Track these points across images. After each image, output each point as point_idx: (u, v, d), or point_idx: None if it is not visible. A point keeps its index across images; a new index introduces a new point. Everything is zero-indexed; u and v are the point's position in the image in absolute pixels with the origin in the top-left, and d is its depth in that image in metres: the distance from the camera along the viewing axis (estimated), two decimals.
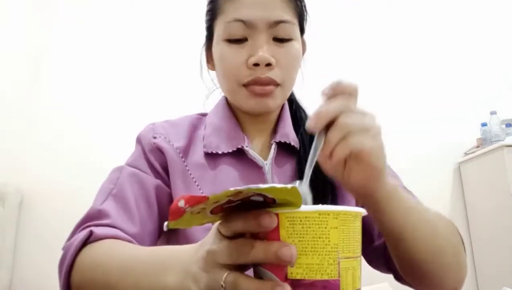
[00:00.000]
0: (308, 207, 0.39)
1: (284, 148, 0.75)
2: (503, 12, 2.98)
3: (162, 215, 0.71)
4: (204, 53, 0.82)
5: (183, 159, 0.72)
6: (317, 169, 0.48)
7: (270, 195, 0.37)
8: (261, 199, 0.38)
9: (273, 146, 0.74)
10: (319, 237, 0.38)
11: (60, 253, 0.62)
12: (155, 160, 0.73)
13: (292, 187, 0.34)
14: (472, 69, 2.87)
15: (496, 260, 2.39)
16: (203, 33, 0.80)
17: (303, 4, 0.76)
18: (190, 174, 0.71)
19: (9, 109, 2.38)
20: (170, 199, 0.71)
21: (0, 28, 2.44)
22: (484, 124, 2.57)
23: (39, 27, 2.72)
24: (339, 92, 0.48)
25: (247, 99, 0.71)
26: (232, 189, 0.34)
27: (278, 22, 0.69)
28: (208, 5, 0.76)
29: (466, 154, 2.70)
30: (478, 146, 2.62)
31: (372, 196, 0.52)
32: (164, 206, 0.71)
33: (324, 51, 2.54)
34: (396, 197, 0.54)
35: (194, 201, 0.34)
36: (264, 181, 0.71)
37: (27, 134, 2.44)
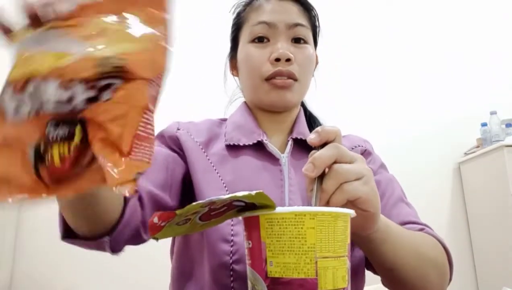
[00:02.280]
0: (285, 209, 0.40)
1: (300, 145, 0.81)
2: (503, 12, 2.98)
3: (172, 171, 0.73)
4: (228, 63, 0.91)
5: (203, 150, 0.78)
6: None
7: (247, 200, 0.39)
8: (242, 204, 0.41)
9: (290, 141, 0.80)
10: (296, 237, 0.39)
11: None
12: (172, 144, 0.79)
13: (257, 193, 0.36)
14: (472, 69, 2.87)
15: (496, 260, 2.39)
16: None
17: (316, 17, 0.86)
18: (211, 162, 0.76)
19: None
20: (185, 171, 0.75)
21: None
22: (484, 124, 2.56)
23: None
24: (325, 138, 0.52)
25: (269, 92, 0.78)
26: (194, 203, 0.38)
27: (296, 25, 0.79)
28: (234, 19, 0.88)
29: (466, 154, 2.70)
30: (478, 146, 2.62)
31: (365, 238, 0.57)
32: (175, 172, 0.74)
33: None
34: (389, 238, 0.59)
35: (165, 217, 0.38)
36: (281, 173, 0.76)
37: None
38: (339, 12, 2.87)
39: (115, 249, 0.60)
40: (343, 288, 0.41)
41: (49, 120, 0.30)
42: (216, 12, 2.79)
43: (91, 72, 0.30)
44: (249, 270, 0.43)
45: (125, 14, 0.34)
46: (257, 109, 0.85)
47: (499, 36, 2.94)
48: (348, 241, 0.43)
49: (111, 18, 0.33)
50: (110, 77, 0.30)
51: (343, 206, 0.50)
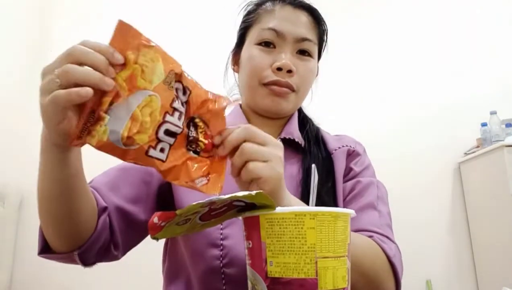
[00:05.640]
0: (285, 209, 0.40)
1: (289, 146, 0.81)
2: (503, 12, 2.98)
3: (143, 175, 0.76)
4: (231, 57, 0.92)
5: None
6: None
7: (247, 200, 0.39)
8: (242, 204, 0.41)
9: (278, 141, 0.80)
10: (296, 237, 0.39)
11: None
12: None
13: (257, 193, 0.36)
14: (472, 69, 2.87)
15: (496, 260, 2.39)
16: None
17: (325, 32, 0.88)
18: None
19: (9, 109, 2.40)
20: (161, 183, 0.76)
21: (0, 25, 2.46)
22: (484, 124, 2.56)
23: (40, 26, 2.73)
24: (229, 144, 0.53)
25: (265, 97, 0.79)
26: (195, 203, 0.38)
27: (303, 39, 0.80)
28: (244, 16, 0.88)
29: (466, 154, 2.70)
30: (478, 146, 2.62)
31: None
32: (151, 185, 0.75)
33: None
34: None
35: (165, 217, 0.39)
36: None
37: (27, 134, 2.46)
38: (340, 9, 2.87)
39: (86, 262, 0.65)
40: (343, 288, 0.41)
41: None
42: (219, 7, 2.79)
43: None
44: (249, 270, 0.43)
45: None
46: (250, 112, 0.85)
47: (499, 36, 2.94)
48: (348, 241, 0.43)
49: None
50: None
51: (250, 185, 0.53)
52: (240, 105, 0.90)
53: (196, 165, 0.51)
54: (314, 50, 0.83)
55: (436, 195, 2.68)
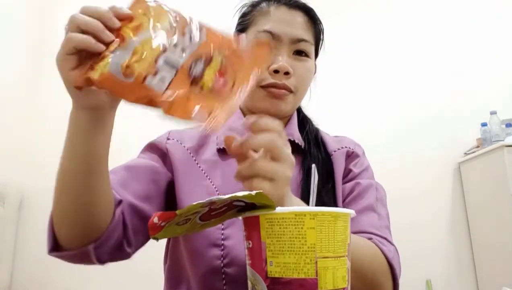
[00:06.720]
0: (286, 209, 0.40)
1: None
2: (503, 12, 2.98)
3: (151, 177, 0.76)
4: None
5: (193, 158, 0.79)
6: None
7: (247, 200, 0.39)
8: (242, 204, 0.41)
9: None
10: (296, 237, 0.39)
11: None
12: (159, 155, 0.80)
13: (257, 193, 0.36)
14: (472, 69, 2.87)
15: (496, 260, 2.39)
16: None
17: (322, 31, 0.88)
18: (202, 169, 0.78)
19: (9, 109, 2.40)
20: (169, 181, 0.77)
21: (0, 25, 2.46)
22: (484, 124, 2.56)
23: (40, 26, 2.73)
24: (263, 127, 0.54)
25: (263, 99, 0.79)
26: (195, 203, 0.38)
27: (300, 40, 0.80)
28: (240, 18, 0.88)
29: (466, 154, 2.70)
30: (478, 146, 2.62)
31: None
32: (159, 183, 0.76)
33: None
34: None
35: (165, 217, 0.39)
36: None
37: (27, 134, 2.46)
38: (338, 9, 2.87)
39: (100, 259, 0.63)
40: (343, 288, 0.41)
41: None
42: (217, 9, 2.79)
43: None
44: (249, 270, 0.43)
45: None
46: (249, 113, 0.85)
47: (499, 36, 2.94)
48: (348, 241, 0.43)
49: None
50: None
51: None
52: (239, 106, 0.89)
53: (196, 101, 0.49)
54: (311, 50, 0.83)
55: (436, 195, 2.68)
